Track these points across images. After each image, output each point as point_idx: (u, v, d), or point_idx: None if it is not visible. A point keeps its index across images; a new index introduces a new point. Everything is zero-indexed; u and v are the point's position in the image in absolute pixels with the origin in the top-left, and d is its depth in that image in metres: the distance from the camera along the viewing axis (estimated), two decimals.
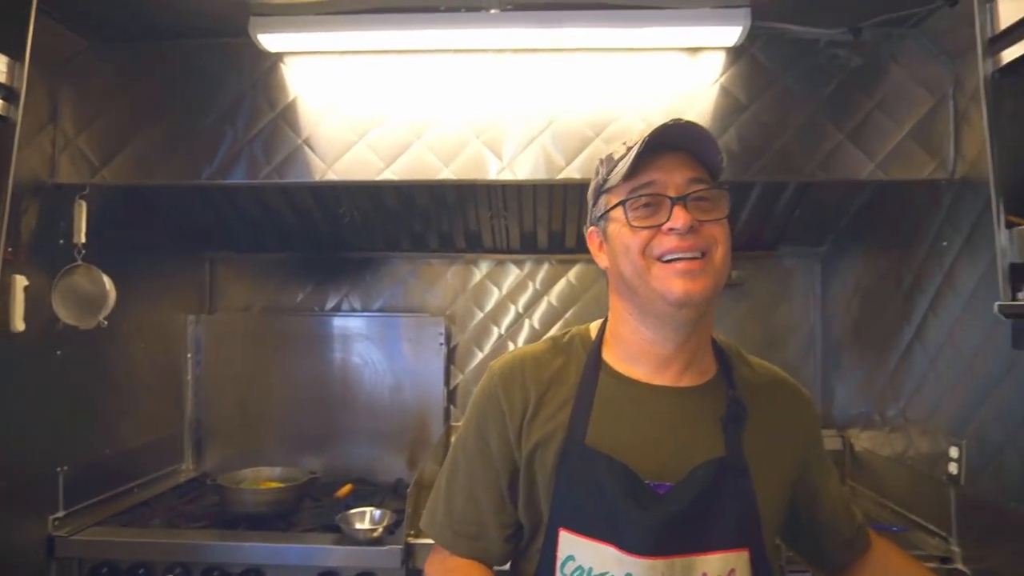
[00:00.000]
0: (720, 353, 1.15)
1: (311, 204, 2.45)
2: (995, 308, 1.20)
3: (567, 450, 1.04)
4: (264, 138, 1.97)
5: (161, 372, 2.55)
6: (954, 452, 1.80)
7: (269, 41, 1.87)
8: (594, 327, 1.17)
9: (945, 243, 1.87)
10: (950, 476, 1.81)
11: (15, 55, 1.34)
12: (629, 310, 1.09)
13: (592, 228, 1.14)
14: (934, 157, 1.88)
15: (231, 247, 2.74)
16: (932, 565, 1.76)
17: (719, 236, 1.02)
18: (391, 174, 1.95)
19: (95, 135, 1.98)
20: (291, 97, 1.98)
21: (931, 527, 1.90)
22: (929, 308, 1.95)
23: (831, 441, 2.45)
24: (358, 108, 1.96)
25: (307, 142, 1.97)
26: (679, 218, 1.00)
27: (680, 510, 0.99)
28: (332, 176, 1.96)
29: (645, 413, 1.06)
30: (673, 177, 1.02)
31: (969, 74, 1.80)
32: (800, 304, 2.68)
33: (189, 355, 2.70)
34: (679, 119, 1.02)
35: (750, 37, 1.85)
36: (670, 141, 1.03)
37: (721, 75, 1.93)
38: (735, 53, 1.92)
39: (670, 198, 1.01)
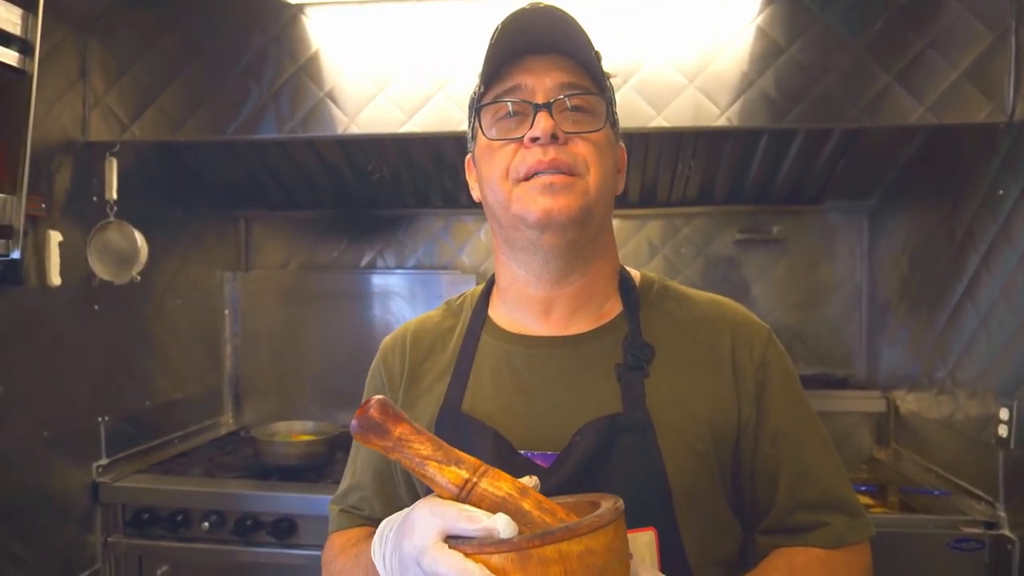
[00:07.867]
0: (630, 290, 0.95)
1: (340, 160, 2.44)
2: None
3: (442, 419, 0.91)
4: (288, 92, 1.96)
5: (199, 328, 2.61)
6: (1004, 414, 1.70)
7: None
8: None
9: (1001, 192, 1.74)
10: (999, 439, 1.71)
11: (29, 6, 1.34)
12: (503, 249, 0.94)
13: (469, 155, 0.99)
14: (991, 99, 1.73)
15: (264, 205, 2.76)
16: (977, 531, 1.69)
17: (591, 156, 0.86)
18: (414, 126, 1.91)
19: (123, 92, 1.99)
20: (312, 49, 1.95)
21: (977, 491, 1.81)
22: (982, 263, 1.83)
23: (874, 403, 2.35)
24: (378, 59, 1.92)
25: (329, 95, 1.94)
26: (540, 124, 0.83)
27: (560, 485, 0.79)
28: (355, 129, 1.94)
29: (526, 371, 0.91)
30: (543, 81, 0.86)
31: None
32: (845, 262, 2.55)
33: (227, 311, 2.75)
34: (538, 2, 0.85)
35: None
36: (544, 40, 0.87)
37: (757, 15, 1.81)
38: None
39: (534, 104, 0.85)
